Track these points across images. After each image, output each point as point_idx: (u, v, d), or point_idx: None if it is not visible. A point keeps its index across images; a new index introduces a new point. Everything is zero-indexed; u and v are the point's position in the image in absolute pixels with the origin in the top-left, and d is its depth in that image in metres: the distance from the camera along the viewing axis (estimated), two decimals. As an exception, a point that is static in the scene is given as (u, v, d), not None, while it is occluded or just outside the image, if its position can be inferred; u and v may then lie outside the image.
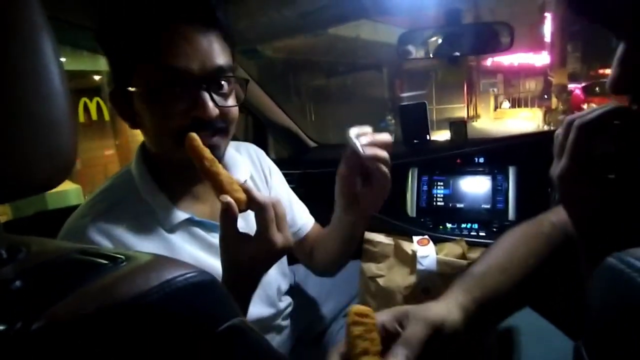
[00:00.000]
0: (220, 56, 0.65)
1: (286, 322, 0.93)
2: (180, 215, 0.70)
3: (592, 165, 0.44)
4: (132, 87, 0.63)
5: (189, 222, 0.71)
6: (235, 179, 0.58)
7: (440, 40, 1.33)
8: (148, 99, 0.63)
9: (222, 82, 0.67)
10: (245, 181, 0.79)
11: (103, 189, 0.72)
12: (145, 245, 0.66)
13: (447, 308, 0.52)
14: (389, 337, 0.49)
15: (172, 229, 0.70)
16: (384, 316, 0.50)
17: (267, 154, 1.81)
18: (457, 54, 1.36)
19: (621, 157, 0.43)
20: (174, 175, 0.72)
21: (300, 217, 0.95)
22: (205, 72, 0.63)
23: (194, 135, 0.57)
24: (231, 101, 0.69)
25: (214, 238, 0.72)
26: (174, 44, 0.61)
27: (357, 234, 0.79)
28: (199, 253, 0.72)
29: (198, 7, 0.63)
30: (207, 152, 0.56)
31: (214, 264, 0.69)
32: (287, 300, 0.93)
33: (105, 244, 0.64)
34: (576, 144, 0.44)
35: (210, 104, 0.63)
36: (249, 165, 0.86)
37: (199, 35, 0.62)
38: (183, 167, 0.67)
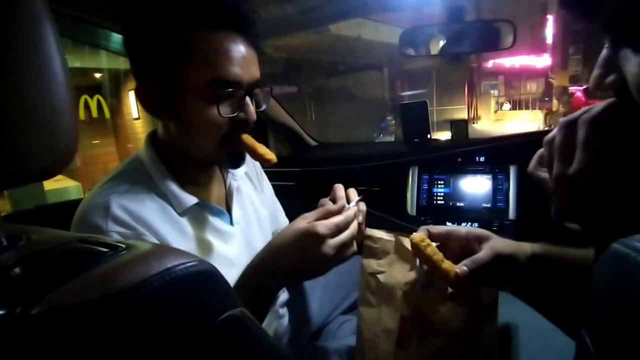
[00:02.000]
0: (257, 67, 0.72)
1: (283, 311, 0.94)
2: (191, 199, 0.73)
3: (610, 157, 0.44)
4: (176, 86, 0.67)
5: (198, 206, 0.75)
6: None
7: (442, 38, 1.33)
8: (198, 100, 0.67)
9: (257, 90, 0.75)
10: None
11: (115, 173, 0.74)
12: (163, 226, 0.69)
13: (519, 247, 0.66)
14: (463, 249, 0.67)
15: (183, 213, 0.73)
16: (470, 232, 0.68)
17: (268, 151, 1.83)
18: (458, 52, 1.36)
19: (630, 148, 0.43)
20: (183, 163, 0.76)
21: (282, 216, 1.04)
22: (251, 81, 0.70)
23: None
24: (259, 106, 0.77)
25: (219, 223, 0.78)
26: (228, 51, 0.66)
27: None
28: (207, 237, 0.76)
29: (244, 18, 0.69)
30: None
31: (221, 248, 0.76)
32: (283, 292, 0.94)
33: (128, 221, 0.66)
34: (592, 138, 0.44)
35: (252, 108, 0.72)
36: None
37: (245, 45, 0.69)
38: (199, 160, 0.75)
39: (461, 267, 0.63)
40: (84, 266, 0.31)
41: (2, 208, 3.71)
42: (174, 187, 0.73)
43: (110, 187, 0.70)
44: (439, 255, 0.63)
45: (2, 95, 0.29)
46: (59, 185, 4.43)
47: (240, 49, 0.68)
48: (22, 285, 0.30)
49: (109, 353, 0.28)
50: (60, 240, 0.36)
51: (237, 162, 0.77)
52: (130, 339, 0.28)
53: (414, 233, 0.65)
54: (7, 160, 0.30)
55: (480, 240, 0.67)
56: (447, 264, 0.63)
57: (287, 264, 0.67)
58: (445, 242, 0.70)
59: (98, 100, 6.47)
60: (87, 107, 6.24)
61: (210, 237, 0.76)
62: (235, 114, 0.70)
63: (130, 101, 7.33)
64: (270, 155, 0.74)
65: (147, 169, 0.73)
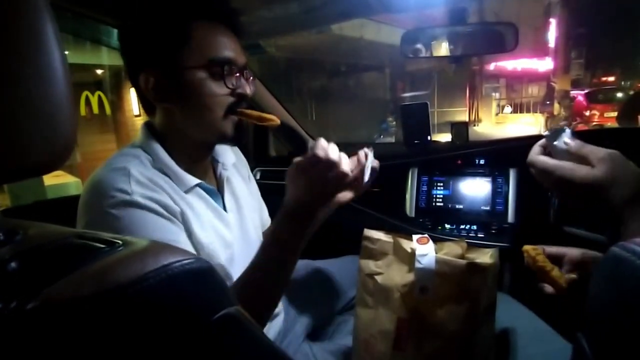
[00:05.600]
0: (243, 54, 0.81)
1: (279, 310, 0.94)
2: (193, 179, 0.79)
3: None
4: (179, 69, 0.75)
5: (199, 187, 0.81)
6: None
7: (444, 40, 1.32)
8: (202, 78, 0.75)
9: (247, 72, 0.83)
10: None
11: (117, 154, 0.78)
12: (178, 197, 0.75)
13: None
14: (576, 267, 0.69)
15: (187, 191, 0.78)
16: (586, 254, 0.70)
17: (268, 150, 1.83)
18: (461, 54, 1.35)
19: None
20: (181, 151, 0.81)
21: (265, 214, 1.09)
22: (242, 63, 0.80)
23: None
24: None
25: (215, 204, 0.84)
26: (221, 37, 0.77)
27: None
28: (209, 215, 0.81)
29: (232, 12, 0.80)
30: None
31: (220, 229, 0.82)
32: None
33: (150, 185, 0.71)
34: None
35: (248, 85, 0.82)
36: (231, 154, 0.98)
37: (233, 35, 0.80)
38: (197, 143, 0.82)
39: (570, 275, 0.66)
40: (81, 261, 0.31)
41: (2, 202, 3.71)
42: (176, 168, 0.78)
43: (121, 159, 0.74)
44: (549, 265, 0.67)
45: (1, 89, 0.29)
46: (59, 181, 4.42)
47: (229, 36, 0.79)
48: (19, 280, 0.30)
49: (104, 348, 0.28)
50: (57, 235, 0.36)
51: (241, 133, 0.82)
52: (126, 335, 0.28)
53: (526, 246, 0.71)
54: (6, 155, 0.30)
55: (596, 261, 0.69)
56: (556, 272, 0.67)
57: (302, 195, 0.72)
58: (559, 260, 0.71)
59: (99, 97, 6.46)
60: (88, 103, 6.23)
61: (212, 217, 0.82)
62: (235, 88, 0.78)
63: (131, 98, 7.32)
64: (273, 117, 0.83)
65: (149, 152, 0.78)
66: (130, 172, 0.70)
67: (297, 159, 0.73)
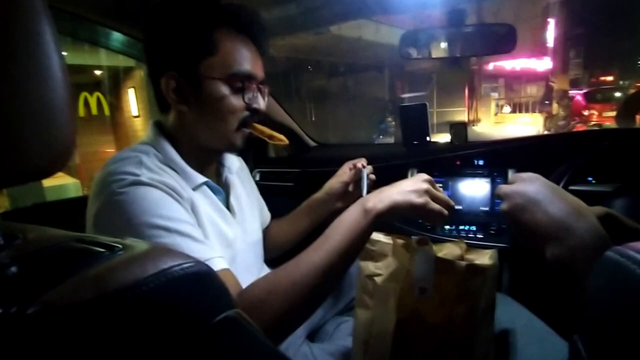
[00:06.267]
0: (262, 68, 0.84)
1: None
2: (200, 177, 0.81)
3: None
4: (200, 77, 0.77)
5: (206, 185, 0.83)
6: None
7: (442, 41, 1.33)
8: (222, 89, 0.78)
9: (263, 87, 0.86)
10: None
11: (126, 150, 0.79)
12: (186, 192, 0.76)
13: None
14: None
15: (194, 189, 0.80)
16: None
17: (267, 152, 1.83)
18: (459, 55, 1.36)
19: None
20: (189, 152, 0.82)
21: (266, 211, 1.14)
22: (261, 78, 0.83)
23: None
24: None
25: (220, 203, 0.86)
26: (245, 51, 0.80)
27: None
28: (213, 214, 0.83)
29: (257, 26, 0.82)
30: None
31: (222, 227, 0.83)
32: None
33: (160, 176, 0.72)
34: None
35: (263, 100, 0.85)
36: (236, 159, 1.02)
37: (255, 48, 0.82)
38: (209, 147, 0.84)
39: None
40: (80, 265, 0.31)
41: (1, 204, 3.70)
42: (185, 165, 0.80)
43: (131, 153, 0.76)
44: None
45: (0, 93, 0.29)
46: (57, 182, 4.42)
47: (253, 50, 0.82)
48: (18, 284, 0.30)
49: (104, 353, 0.28)
50: (57, 239, 0.36)
51: (248, 146, 0.86)
52: (126, 339, 0.28)
53: None
54: (5, 159, 0.30)
55: None
56: None
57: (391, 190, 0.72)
58: None
59: (97, 98, 6.46)
60: (86, 104, 6.23)
61: (216, 215, 0.83)
62: (250, 103, 0.81)
63: (130, 99, 7.32)
64: (283, 137, 0.88)
65: (158, 149, 0.80)
66: (142, 160, 0.73)
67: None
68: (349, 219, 0.69)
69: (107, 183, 0.69)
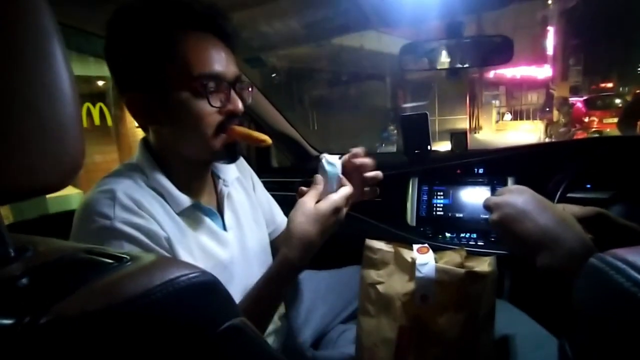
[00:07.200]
0: (235, 65, 0.77)
1: (282, 320, 0.96)
2: (187, 200, 0.76)
3: None
4: (164, 88, 0.71)
5: (195, 207, 0.78)
6: None
7: (441, 53, 1.34)
8: (187, 96, 0.71)
9: (240, 85, 0.79)
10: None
11: (113, 172, 0.76)
12: (165, 222, 0.72)
13: None
14: None
15: (180, 213, 0.75)
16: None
17: (270, 162, 1.84)
18: (458, 66, 1.37)
19: None
20: (177, 168, 0.78)
21: (278, 214, 1.07)
22: (232, 77, 0.75)
23: None
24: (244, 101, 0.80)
25: (213, 225, 0.81)
26: (208, 50, 0.72)
27: None
28: (203, 238, 0.78)
29: (220, 21, 0.74)
30: None
31: (215, 250, 0.80)
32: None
33: (135, 209, 0.68)
34: None
35: (238, 100, 0.76)
36: (234, 168, 0.94)
37: (222, 45, 0.75)
38: (193, 161, 0.79)
39: None
40: (90, 276, 0.31)
41: (4, 215, 3.71)
42: (171, 187, 0.75)
43: (112, 180, 0.72)
44: None
45: (12, 110, 0.30)
46: (60, 193, 4.41)
47: (218, 48, 0.74)
48: (30, 296, 0.30)
49: None
50: (66, 251, 0.37)
51: (234, 154, 0.79)
52: (134, 349, 0.29)
53: None
54: (14, 175, 0.31)
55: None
56: None
57: (310, 237, 0.74)
58: None
59: (100, 108, 6.48)
60: (89, 114, 6.26)
61: (206, 239, 0.79)
62: (222, 106, 0.74)
63: (133, 109, 7.33)
64: (264, 137, 0.79)
65: (144, 170, 0.76)
66: (116, 196, 0.68)
67: (320, 206, 0.76)
68: (273, 272, 0.77)
69: (82, 220, 0.68)
